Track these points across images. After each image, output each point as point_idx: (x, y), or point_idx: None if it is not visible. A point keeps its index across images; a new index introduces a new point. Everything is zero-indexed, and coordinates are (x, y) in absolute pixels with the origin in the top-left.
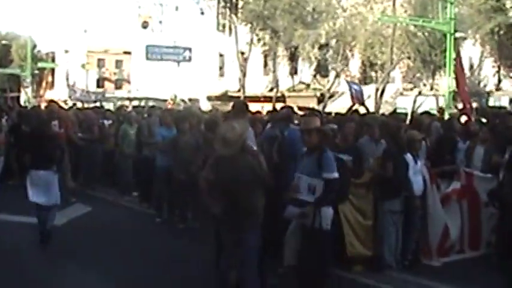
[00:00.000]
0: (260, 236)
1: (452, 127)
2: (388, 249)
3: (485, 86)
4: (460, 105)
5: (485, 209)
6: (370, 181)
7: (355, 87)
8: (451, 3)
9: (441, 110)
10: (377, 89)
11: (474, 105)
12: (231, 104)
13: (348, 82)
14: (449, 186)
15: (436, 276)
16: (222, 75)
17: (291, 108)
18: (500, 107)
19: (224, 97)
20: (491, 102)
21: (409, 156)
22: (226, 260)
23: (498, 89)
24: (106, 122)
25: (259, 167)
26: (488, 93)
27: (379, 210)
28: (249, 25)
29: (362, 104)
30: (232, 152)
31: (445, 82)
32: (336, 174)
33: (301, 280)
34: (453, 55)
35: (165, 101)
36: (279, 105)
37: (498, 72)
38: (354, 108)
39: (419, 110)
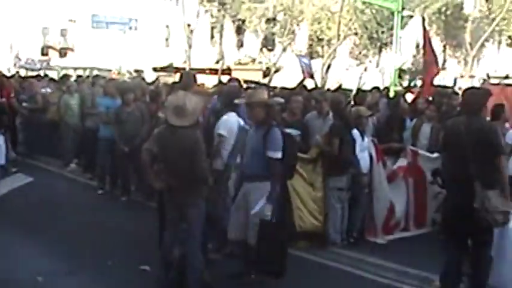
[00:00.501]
0: (204, 211)
1: (399, 105)
2: (333, 226)
3: None
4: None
5: (430, 187)
6: (317, 157)
7: (305, 61)
8: None
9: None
10: (323, 64)
11: (419, 83)
12: (177, 75)
13: (297, 56)
14: (396, 164)
15: (381, 254)
16: (168, 46)
17: (238, 81)
18: (445, 86)
19: (169, 68)
20: (436, 81)
21: (356, 133)
22: (169, 235)
23: (443, 68)
24: (47, 91)
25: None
26: None
27: (326, 187)
28: None
29: (312, 77)
30: (187, 123)
31: (391, 59)
32: (279, 154)
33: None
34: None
35: (110, 71)
36: (224, 78)
37: (444, 51)
38: (303, 82)
39: (364, 87)
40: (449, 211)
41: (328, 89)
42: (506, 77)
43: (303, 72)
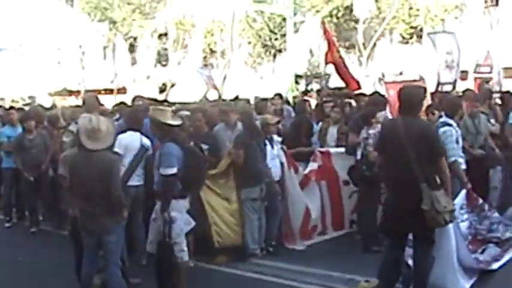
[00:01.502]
0: (122, 236)
1: (305, 109)
2: (251, 237)
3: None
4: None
5: (345, 187)
6: (228, 169)
7: (206, 73)
8: None
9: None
10: (219, 76)
11: (316, 87)
12: (71, 98)
13: (198, 70)
14: (307, 168)
15: (301, 260)
16: (60, 69)
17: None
18: (340, 88)
19: (64, 92)
20: (331, 84)
21: (265, 142)
22: (87, 263)
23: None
24: None
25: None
26: (328, 75)
27: (241, 198)
28: (87, 16)
29: (215, 88)
30: (103, 146)
31: (286, 65)
32: (171, 170)
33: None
34: (295, 38)
35: (3, 99)
36: (119, 98)
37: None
38: (207, 92)
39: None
40: (391, 211)
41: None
42: (401, 74)
43: (207, 83)
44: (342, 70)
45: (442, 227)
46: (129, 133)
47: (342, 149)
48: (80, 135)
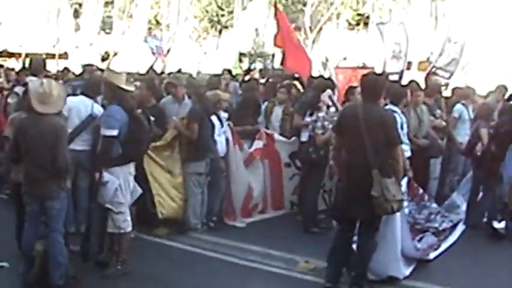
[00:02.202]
0: (65, 203)
1: (254, 87)
2: (193, 211)
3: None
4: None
5: (286, 169)
6: (173, 142)
7: (156, 43)
8: None
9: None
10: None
11: (260, 66)
12: (12, 60)
13: (147, 39)
14: (252, 146)
15: (241, 237)
16: (1, 30)
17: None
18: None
19: (4, 53)
20: (276, 64)
21: (214, 117)
22: (29, 229)
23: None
24: None
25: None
26: (273, 55)
27: (184, 173)
28: None
29: (163, 59)
30: (54, 111)
31: (231, 42)
32: (112, 132)
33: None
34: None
35: None
36: (61, 63)
37: None
38: (155, 62)
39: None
40: (342, 195)
41: (170, 73)
42: (345, 59)
43: (155, 54)
44: (298, 53)
45: (388, 215)
46: (80, 98)
47: (284, 138)
48: (30, 99)
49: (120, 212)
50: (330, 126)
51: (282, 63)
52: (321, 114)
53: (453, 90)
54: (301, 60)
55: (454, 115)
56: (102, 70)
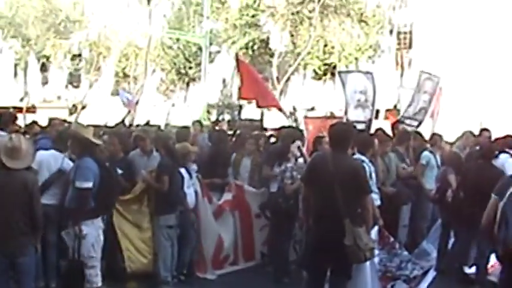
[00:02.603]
0: (34, 258)
1: (223, 139)
2: (164, 264)
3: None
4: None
5: (256, 220)
6: (141, 195)
7: (127, 95)
8: (207, 18)
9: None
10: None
11: (227, 117)
12: None
13: (120, 91)
14: (221, 198)
15: None
16: None
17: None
18: (252, 120)
19: None
20: (243, 115)
21: (183, 169)
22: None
23: (250, 102)
24: None
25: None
26: (240, 106)
27: (155, 226)
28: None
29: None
30: (24, 165)
31: (199, 94)
32: (89, 184)
33: None
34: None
35: None
36: (29, 117)
37: None
38: (127, 115)
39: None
40: (312, 245)
41: (138, 125)
42: (312, 109)
43: (126, 106)
44: (269, 98)
45: (360, 263)
46: (51, 152)
47: (254, 189)
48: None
49: (93, 266)
50: (299, 176)
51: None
52: (289, 165)
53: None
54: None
55: (421, 162)
56: (70, 123)
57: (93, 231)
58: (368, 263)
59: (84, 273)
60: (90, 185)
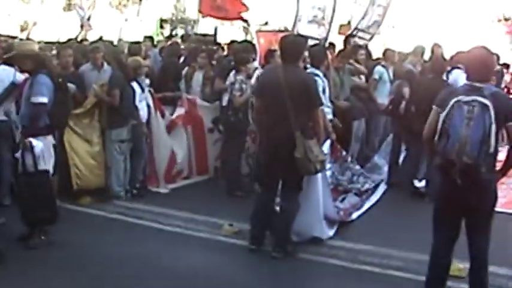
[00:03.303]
0: None
1: (174, 53)
2: (116, 179)
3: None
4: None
5: (209, 134)
6: (92, 109)
7: (82, 13)
8: None
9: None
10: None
11: (181, 32)
12: None
13: (77, 9)
14: (174, 113)
15: (164, 203)
16: None
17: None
18: (205, 35)
19: None
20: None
21: (135, 83)
22: None
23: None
24: None
25: None
26: (195, 21)
27: (107, 140)
28: None
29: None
30: None
31: (152, 8)
32: (44, 99)
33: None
34: None
35: None
36: None
37: None
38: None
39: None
40: (264, 158)
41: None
42: (266, 24)
43: (83, 24)
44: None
45: (311, 175)
46: (2, 67)
47: (206, 103)
48: None
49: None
50: (248, 89)
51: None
52: (239, 77)
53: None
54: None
55: (374, 76)
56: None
57: (42, 145)
58: (319, 175)
59: (43, 184)
60: (45, 100)
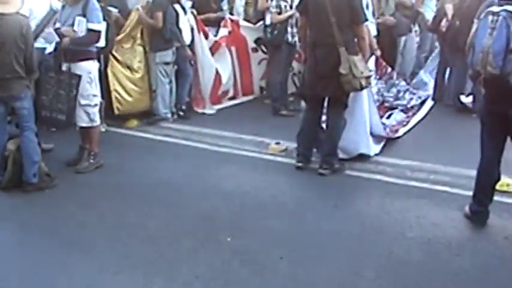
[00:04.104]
0: (32, 100)
1: None
2: (162, 101)
3: None
4: None
5: (254, 54)
6: (135, 32)
7: None
8: None
9: None
10: None
11: None
12: None
13: None
14: (218, 34)
15: (212, 124)
16: None
17: None
18: None
19: None
20: None
21: (177, 6)
22: None
23: None
24: None
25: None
26: None
27: (151, 63)
28: None
29: None
30: (14, 10)
31: None
32: (101, 26)
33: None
34: None
35: None
36: None
37: None
38: None
39: None
40: (309, 74)
41: None
42: None
43: None
44: None
45: (357, 92)
46: None
47: (249, 24)
48: None
49: (95, 105)
50: (288, 7)
51: None
52: None
53: None
54: None
55: None
56: None
57: (86, 71)
58: (365, 92)
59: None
60: (103, 26)
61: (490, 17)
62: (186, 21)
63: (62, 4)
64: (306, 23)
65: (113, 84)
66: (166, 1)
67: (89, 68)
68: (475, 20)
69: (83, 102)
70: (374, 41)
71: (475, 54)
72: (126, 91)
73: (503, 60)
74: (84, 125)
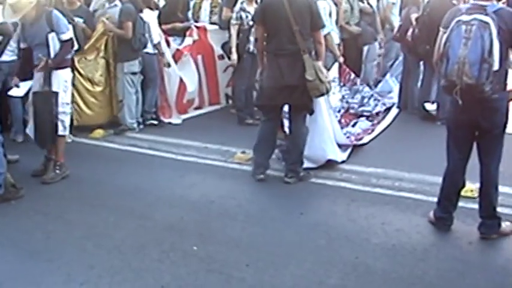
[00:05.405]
0: None
1: None
2: (129, 111)
3: None
4: None
5: (220, 61)
6: (98, 43)
7: None
8: None
9: None
10: None
11: None
12: None
13: None
14: (182, 43)
15: (177, 133)
16: None
17: None
18: None
19: None
20: None
21: (145, 13)
22: None
23: None
24: None
25: None
26: None
27: (119, 73)
28: None
29: None
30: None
31: None
32: (70, 34)
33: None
34: None
35: None
36: None
37: None
38: None
39: None
40: (267, 84)
41: None
42: None
43: None
44: None
45: (323, 96)
46: None
47: (216, 27)
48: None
49: (69, 113)
50: (250, 17)
51: None
52: (239, 6)
53: None
54: None
55: (391, 0)
56: None
57: (63, 79)
58: (323, 99)
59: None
60: (71, 35)
61: (463, 27)
62: (158, 28)
63: (19, 23)
64: (263, 33)
65: (74, 96)
66: (134, 11)
67: (65, 77)
68: (441, 29)
69: (59, 110)
70: (336, 47)
71: (449, 65)
72: (86, 104)
73: (479, 70)
74: (60, 133)
